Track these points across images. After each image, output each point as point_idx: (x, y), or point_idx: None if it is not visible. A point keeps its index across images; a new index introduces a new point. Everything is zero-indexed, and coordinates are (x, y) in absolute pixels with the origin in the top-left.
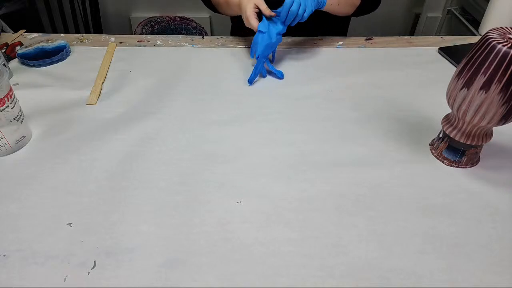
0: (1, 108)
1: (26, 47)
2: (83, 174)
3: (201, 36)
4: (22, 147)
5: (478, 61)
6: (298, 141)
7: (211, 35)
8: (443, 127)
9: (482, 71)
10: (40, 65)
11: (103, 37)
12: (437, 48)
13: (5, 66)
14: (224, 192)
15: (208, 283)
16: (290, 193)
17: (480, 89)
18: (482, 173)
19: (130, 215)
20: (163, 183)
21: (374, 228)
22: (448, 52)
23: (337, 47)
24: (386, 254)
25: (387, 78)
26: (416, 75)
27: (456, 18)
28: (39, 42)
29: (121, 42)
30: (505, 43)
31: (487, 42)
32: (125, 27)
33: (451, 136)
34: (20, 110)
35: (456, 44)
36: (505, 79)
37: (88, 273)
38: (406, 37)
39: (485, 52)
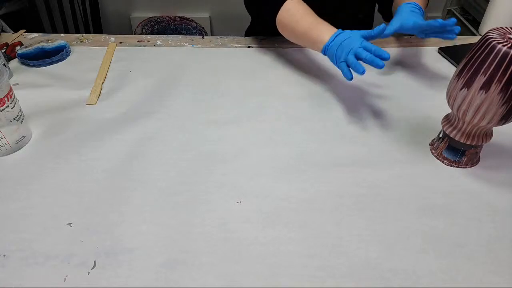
0: (1, 108)
1: (26, 47)
2: (83, 174)
3: (201, 36)
4: (22, 147)
5: (478, 61)
6: (298, 141)
7: (211, 35)
8: (443, 127)
9: (482, 71)
10: (40, 65)
11: (103, 37)
12: (437, 48)
13: (5, 66)
14: (224, 192)
15: (208, 283)
16: (290, 193)
17: (480, 89)
18: (482, 173)
19: (130, 215)
20: (163, 183)
21: (374, 228)
22: (448, 52)
23: None
24: (386, 254)
25: (387, 78)
26: (416, 75)
27: (456, 18)
28: (39, 42)
29: (121, 42)
30: (505, 43)
31: (487, 42)
32: (125, 27)
33: (451, 136)
34: (20, 110)
35: (456, 44)
36: (505, 79)
37: (88, 273)
38: (406, 37)
39: (485, 52)
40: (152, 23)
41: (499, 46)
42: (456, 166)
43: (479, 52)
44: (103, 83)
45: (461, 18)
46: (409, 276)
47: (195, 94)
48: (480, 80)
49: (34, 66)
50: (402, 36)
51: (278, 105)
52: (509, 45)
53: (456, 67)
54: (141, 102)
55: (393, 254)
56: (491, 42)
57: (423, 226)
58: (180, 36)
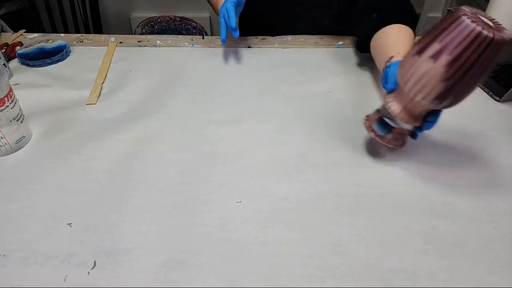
0: (1, 108)
1: (26, 47)
2: (83, 174)
3: (201, 36)
4: (22, 147)
5: (440, 29)
6: (298, 141)
7: (211, 35)
8: (384, 97)
9: (439, 39)
10: (40, 65)
11: (103, 37)
12: None
13: (5, 66)
14: (224, 192)
15: (208, 283)
16: (290, 193)
17: (431, 57)
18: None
19: (130, 215)
20: (163, 183)
21: (374, 228)
22: None
23: (337, 47)
24: (386, 254)
25: None
26: None
27: None
28: (39, 42)
29: (121, 42)
30: (473, 19)
31: (456, 14)
32: (125, 27)
33: (386, 106)
34: (20, 110)
35: None
36: (456, 52)
37: (88, 273)
38: None
39: (449, 21)
40: (152, 23)
41: (465, 18)
42: (380, 141)
43: (445, 22)
44: (103, 83)
45: None
46: (409, 276)
47: (195, 94)
48: (434, 47)
49: (34, 66)
50: None
51: (278, 105)
52: (476, 21)
53: None
54: (141, 102)
55: (393, 254)
56: (460, 15)
57: (423, 226)
58: (180, 36)
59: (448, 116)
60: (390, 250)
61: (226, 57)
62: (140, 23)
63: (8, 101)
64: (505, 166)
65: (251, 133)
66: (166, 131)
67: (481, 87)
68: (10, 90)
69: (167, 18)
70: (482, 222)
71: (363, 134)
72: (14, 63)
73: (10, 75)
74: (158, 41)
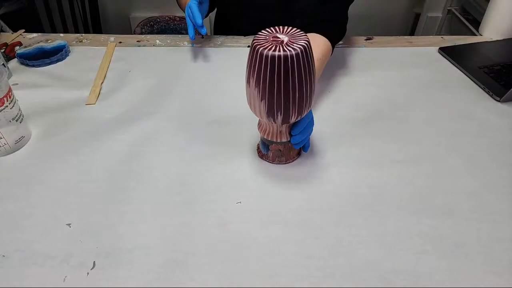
0: (0, 108)
1: (26, 47)
2: (83, 174)
3: (201, 36)
4: (22, 147)
5: (249, 58)
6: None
7: (211, 35)
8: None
9: (248, 66)
10: (39, 65)
11: (102, 37)
12: (437, 48)
13: (4, 66)
14: (224, 192)
15: (208, 283)
16: (290, 193)
17: (247, 82)
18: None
19: (129, 215)
20: (163, 183)
21: (374, 228)
22: (448, 52)
23: (337, 47)
24: (386, 254)
25: (387, 78)
26: (416, 75)
27: (456, 18)
28: (38, 42)
29: (120, 42)
30: (263, 44)
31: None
32: (124, 27)
33: (258, 129)
34: (19, 110)
35: (456, 44)
36: (256, 73)
37: (88, 273)
38: (406, 37)
39: (252, 51)
40: (151, 23)
41: (254, 42)
42: (265, 160)
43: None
44: (102, 83)
45: (461, 18)
46: (409, 276)
47: (195, 94)
48: (246, 74)
49: (33, 66)
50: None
51: None
52: (266, 45)
53: (456, 67)
54: (141, 102)
55: (393, 254)
56: (254, 42)
57: (423, 226)
58: (179, 36)
59: (448, 116)
60: (390, 250)
61: (226, 57)
62: (140, 23)
63: (7, 101)
64: (505, 166)
65: (251, 133)
66: (166, 131)
67: (481, 87)
68: (9, 90)
69: (166, 18)
70: (482, 222)
71: (363, 134)
72: (13, 63)
73: (9, 75)
74: (158, 41)
